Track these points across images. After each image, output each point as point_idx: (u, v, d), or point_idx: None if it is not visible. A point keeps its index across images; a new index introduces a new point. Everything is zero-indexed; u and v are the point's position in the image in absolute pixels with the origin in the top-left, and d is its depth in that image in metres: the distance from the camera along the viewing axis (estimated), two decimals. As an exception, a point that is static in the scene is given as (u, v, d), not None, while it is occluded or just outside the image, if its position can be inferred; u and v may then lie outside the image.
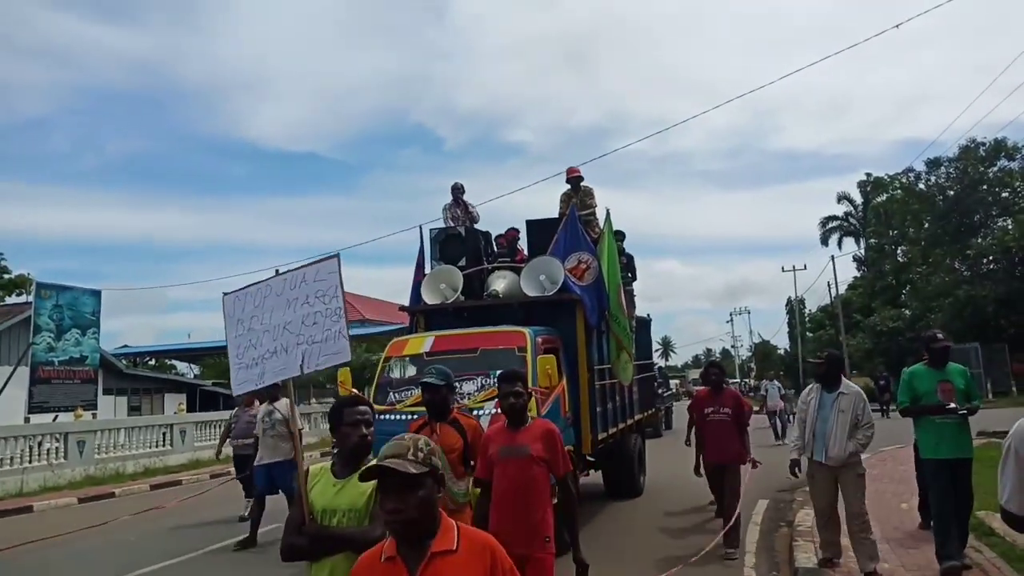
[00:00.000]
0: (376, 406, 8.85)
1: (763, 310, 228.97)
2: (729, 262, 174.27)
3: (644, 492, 12.49)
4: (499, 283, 10.39)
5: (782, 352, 72.74)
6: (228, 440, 12.07)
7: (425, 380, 5.50)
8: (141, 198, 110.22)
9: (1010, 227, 39.71)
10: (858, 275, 57.31)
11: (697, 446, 9.49)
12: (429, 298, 10.28)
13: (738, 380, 40.70)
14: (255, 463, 10.09)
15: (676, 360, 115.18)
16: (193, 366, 47.73)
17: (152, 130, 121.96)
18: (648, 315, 14.46)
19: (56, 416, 20.02)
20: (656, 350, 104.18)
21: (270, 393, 12.44)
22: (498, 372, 8.61)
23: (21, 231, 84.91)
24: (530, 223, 10.90)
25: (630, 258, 12.39)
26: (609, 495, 12.10)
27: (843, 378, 7.37)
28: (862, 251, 57.83)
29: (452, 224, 11.30)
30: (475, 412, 8.33)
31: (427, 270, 10.76)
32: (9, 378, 21.11)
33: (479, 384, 8.68)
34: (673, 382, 61.94)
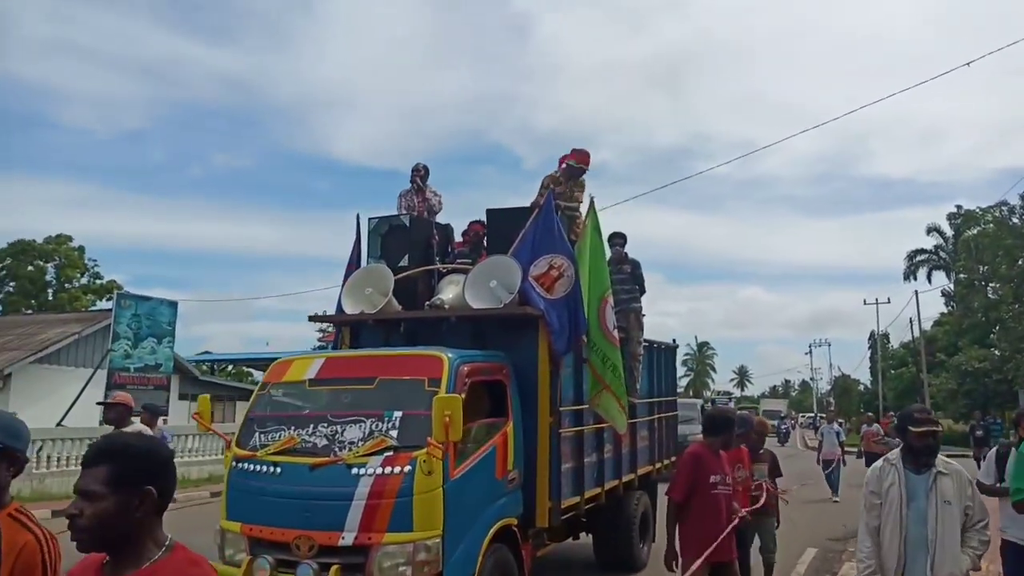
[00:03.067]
0: (236, 450, 6.01)
1: (844, 342, 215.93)
2: (811, 292, 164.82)
3: (648, 565, 9.20)
4: (450, 291, 7.41)
5: (862, 388, 67.21)
6: None
7: None
8: (231, 211, 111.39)
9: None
10: (945, 311, 52.01)
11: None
12: (349, 306, 7.38)
13: (814, 415, 36.37)
14: None
15: (752, 390, 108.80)
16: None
17: (244, 146, 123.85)
18: (675, 340, 11.22)
19: (166, 420, 19.48)
20: (731, 380, 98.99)
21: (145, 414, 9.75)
22: (396, 414, 5.81)
23: (117, 238, 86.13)
24: (492, 212, 7.89)
25: (635, 265, 9.21)
26: (600, 567, 8.87)
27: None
28: (950, 286, 52.47)
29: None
30: (355, 470, 5.41)
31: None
32: (88, 381, 20.77)
33: (367, 429, 5.70)
34: (743, 413, 57.61)
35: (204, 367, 35.14)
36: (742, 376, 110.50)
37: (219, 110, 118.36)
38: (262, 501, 5.77)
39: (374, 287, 7.32)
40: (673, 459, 10.24)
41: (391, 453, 5.53)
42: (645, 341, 9.47)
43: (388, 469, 5.47)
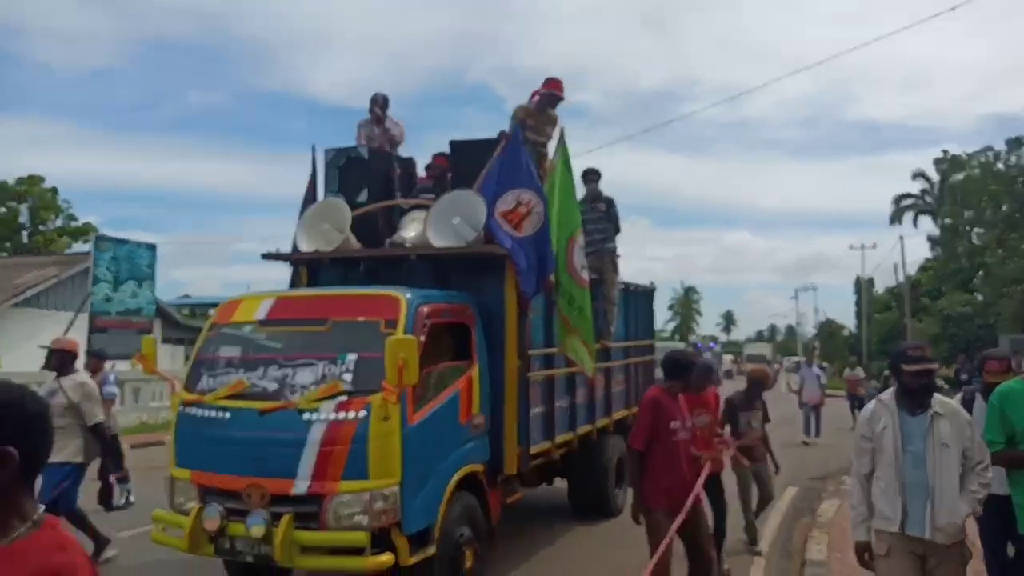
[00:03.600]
0: (183, 394, 5.69)
1: (831, 287, 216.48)
2: (799, 237, 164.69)
3: (623, 512, 9.01)
4: (412, 228, 7.03)
5: (847, 333, 67.38)
6: None
7: None
8: (206, 150, 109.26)
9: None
10: (930, 256, 51.89)
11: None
12: (304, 243, 6.98)
13: (798, 359, 36.47)
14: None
15: (738, 335, 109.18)
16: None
17: (217, 84, 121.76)
18: (652, 283, 10.85)
19: (114, 364, 19.40)
20: (717, 324, 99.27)
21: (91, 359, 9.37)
22: (350, 357, 5.47)
23: (88, 178, 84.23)
24: (456, 144, 7.44)
25: (609, 203, 8.82)
26: (573, 513, 8.66)
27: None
28: (935, 231, 52.28)
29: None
30: (307, 415, 5.09)
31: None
32: (70, 325, 20.09)
33: (319, 373, 5.36)
34: (727, 357, 57.43)
35: (185, 311, 34.76)
36: (728, 321, 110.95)
37: (191, 46, 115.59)
38: (211, 448, 5.47)
39: (330, 223, 6.93)
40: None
41: (345, 398, 5.21)
42: (621, 283, 9.14)
43: (342, 414, 5.15)
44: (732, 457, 6.78)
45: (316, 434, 5.14)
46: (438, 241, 6.49)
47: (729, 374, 49.29)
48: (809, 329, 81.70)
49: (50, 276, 24.76)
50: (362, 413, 5.12)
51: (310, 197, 7.45)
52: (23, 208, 40.51)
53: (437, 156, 7.70)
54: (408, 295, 5.68)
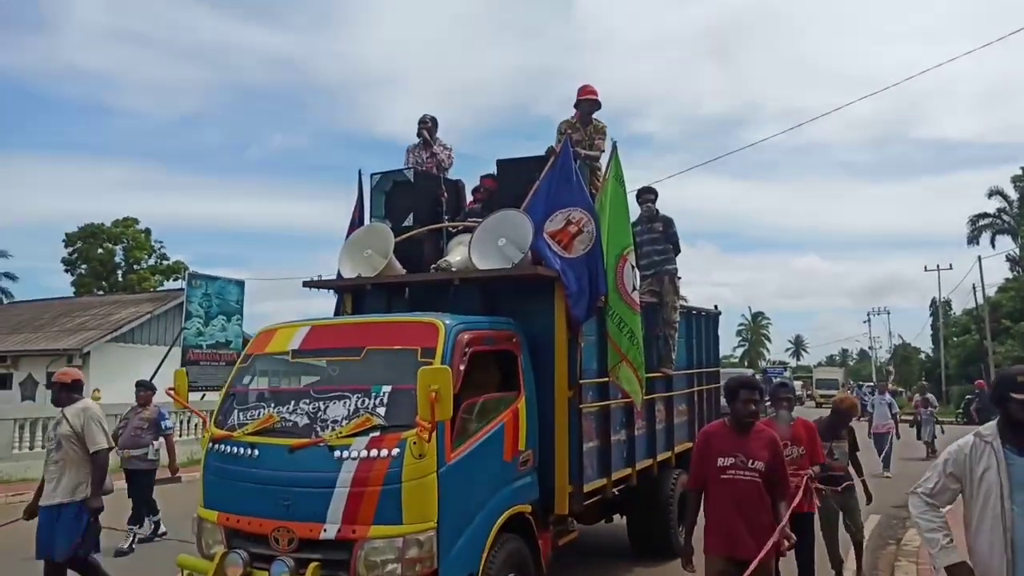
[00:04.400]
0: (213, 429, 5.33)
1: (905, 310, 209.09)
2: (870, 259, 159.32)
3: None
4: (458, 252, 6.61)
5: (923, 356, 64.75)
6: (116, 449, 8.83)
7: None
8: (285, 190, 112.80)
9: None
10: (1010, 276, 49.47)
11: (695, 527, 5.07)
12: (347, 269, 6.62)
13: (873, 384, 34.55)
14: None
15: (809, 360, 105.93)
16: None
17: (295, 126, 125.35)
18: (716, 307, 10.21)
19: (204, 395, 20.10)
20: (787, 350, 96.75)
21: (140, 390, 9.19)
22: (384, 389, 5.04)
23: (176, 219, 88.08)
24: (503, 163, 7.02)
25: (667, 223, 8.25)
26: (634, 552, 8.04)
27: None
28: (1015, 250, 49.87)
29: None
30: (337, 452, 4.67)
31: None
32: (164, 359, 21.48)
33: (352, 406, 4.94)
34: (797, 383, 55.52)
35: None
36: (798, 346, 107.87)
37: (272, 92, 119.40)
38: (239, 487, 5.08)
39: (373, 248, 6.55)
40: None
41: (377, 433, 4.77)
42: (683, 307, 8.56)
43: (374, 452, 4.71)
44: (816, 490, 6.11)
45: (347, 473, 4.70)
46: (482, 264, 6.05)
47: (800, 400, 47.63)
48: (883, 353, 79.02)
49: (144, 312, 25.94)
50: (395, 451, 4.67)
51: (356, 223, 7.14)
52: (118, 249, 42.80)
53: (485, 178, 7.29)
54: (447, 321, 5.23)
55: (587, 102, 7.41)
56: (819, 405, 44.49)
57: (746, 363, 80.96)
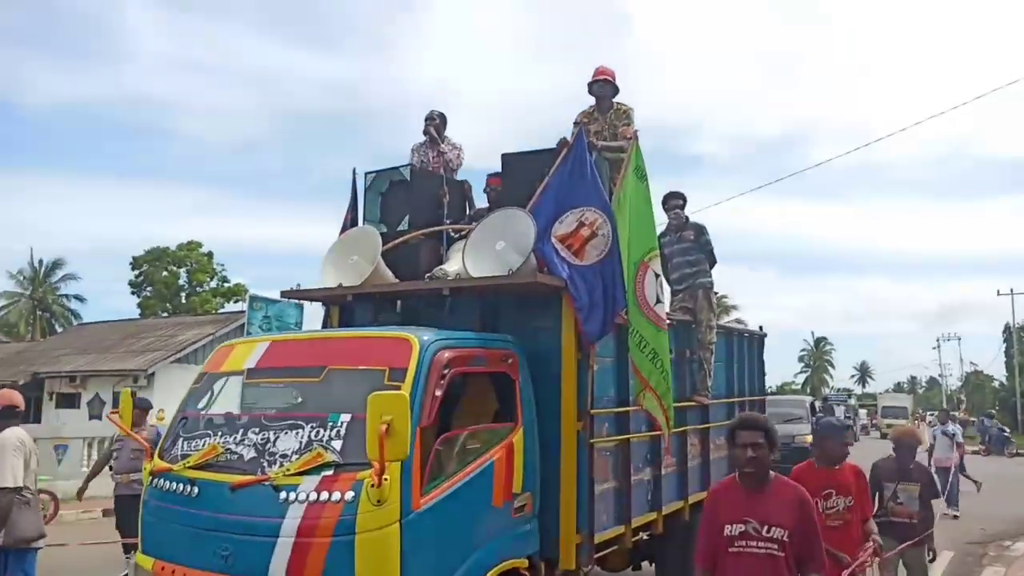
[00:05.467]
0: (155, 461, 4.59)
1: (977, 335, 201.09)
2: (939, 281, 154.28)
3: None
4: (458, 259, 5.75)
5: (997, 384, 61.60)
6: (111, 474, 8.12)
7: None
8: (341, 212, 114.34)
9: None
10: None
11: None
12: (330, 278, 5.81)
13: (936, 413, 32.10)
14: None
15: (875, 387, 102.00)
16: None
17: (349, 149, 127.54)
18: (761, 328, 9.16)
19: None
20: (851, 376, 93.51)
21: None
22: (343, 417, 4.19)
23: (238, 242, 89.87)
24: (508, 158, 6.14)
25: (699, 231, 7.29)
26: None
27: None
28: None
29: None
30: (283, 493, 3.84)
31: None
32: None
33: (304, 437, 4.11)
34: (862, 411, 53.03)
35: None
36: (863, 373, 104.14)
37: (328, 117, 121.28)
38: (176, 531, 4.31)
39: (360, 254, 5.75)
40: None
41: (330, 472, 3.94)
42: (722, 327, 7.57)
43: (324, 495, 3.88)
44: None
45: (292, 520, 3.88)
46: (477, 271, 5.20)
47: (865, 429, 45.36)
48: (953, 381, 75.67)
49: (207, 334, 25.93)
50: (349, 494, 3.83)
51: (348, 228, 6.35)
52: (182, 271, 43.81)
53: (491, 176, 6.43)
54: (425, 337, 4.37)
55: (601, 84, 6.53)
56: (884, 436, 42.35)
57: (808, 390, 78.21)
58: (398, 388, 4.06)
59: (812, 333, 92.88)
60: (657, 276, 5.52)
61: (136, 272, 43.33)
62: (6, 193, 78.17)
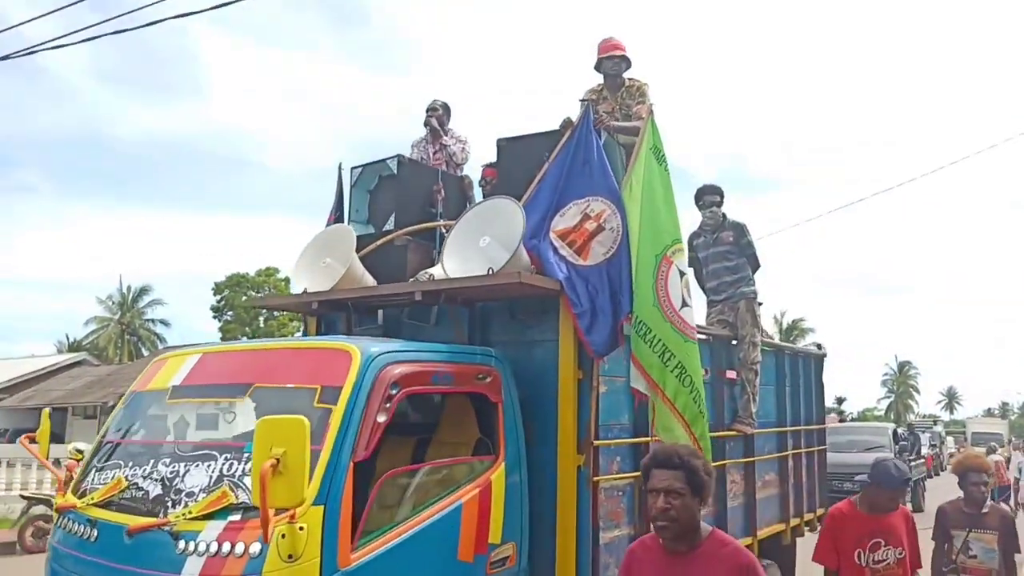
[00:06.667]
0: (67, 496, 3.86)
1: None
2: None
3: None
4: (452, 260, 4.90)
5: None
6: None
7: None
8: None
9: None
10: None
11: None
12: (300, 280, 5.03)
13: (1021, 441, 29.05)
14: None
15: (963, 413, 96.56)
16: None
17: None
18: (820, 345, 8.02)
19: None
20: (939, 402, 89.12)
21: None
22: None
23: None
24: (503, 144, 5.24)
25: (739, 231, 6.27)
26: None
27: None
28: None
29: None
30: (182, 541, 3.01)
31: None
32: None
33: (216, 471, 3.29)
34: (949, 439, 49.63)
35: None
36: (950, 398, 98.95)
37: (389, 143, 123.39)
38: (75, 580, 3.53)
39: (335, 256, 4.95)
40: (820, 513, 7.10)
41: (237, 517, 3.11)
42: (770, 345, 6.52)
43: (226, 545, 3.04)
44: None
45: (190, 575, 3.06)
46: (456, 271, 4.33)
47: (926, 472, 42.32)
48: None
49: None
50: (254, 546, 2.99)
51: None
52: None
53: (487, 167, 5.57)
54: (373, 348, 3.52)
55: (614, 61, 5.63)
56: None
57: (892, 416, 74.62)
58: (330, 409, 3.24)
59: (895, 356, 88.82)
60: (683, 275, 4.54)
61: (217, 297, 44.42)
62: (99, 222, 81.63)
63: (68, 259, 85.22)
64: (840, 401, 63.18)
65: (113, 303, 46.59)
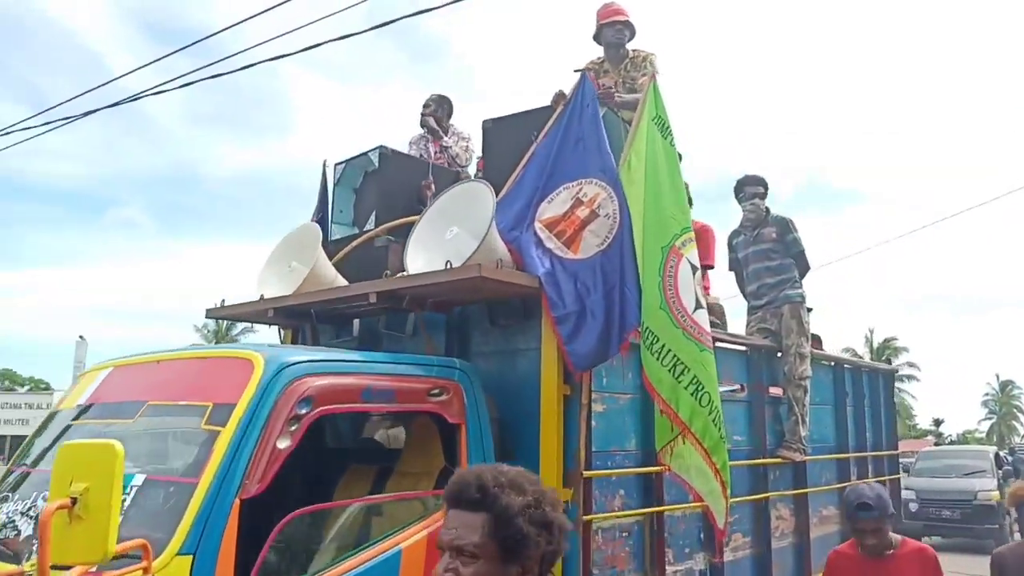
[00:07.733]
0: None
1: None
2: None
3: None
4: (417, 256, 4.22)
5: None
6: None
7: None
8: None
9: None
10: None
11: None
12: (265, 284, 4.41)
13: None
14: None
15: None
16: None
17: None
18: (889, 360, 7.00)
19: None
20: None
21: None
22: (135, 479, 2.72)
23: None
24: (489, 125, 4.49)
25: (783, 227, 5.38)
26: None
27: None
28: None
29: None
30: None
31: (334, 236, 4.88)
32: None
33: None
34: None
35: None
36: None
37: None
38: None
39: (300, 258, 4.31)
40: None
41: (92, 568, 2.46)
42: (824, 356, 5.58)
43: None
44: None
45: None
46: (417, 263, 3.63)
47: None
48: None
49: None
50: (98, 610, 2.34)
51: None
52: None
53: (480, 159, 4.90)
54: (286, 357, 2.85)
55: (611, 28, 4.89)
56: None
57: (994, 439, 70.15)
58: (218, 432, 2.57)
59: (996, 376, 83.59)
60: (695, 270, 3.74)
61: (307, 325, 45.78)
62: (194, 253, 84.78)
63: (168, 289, 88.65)
64: (938, 423, 59.70)
65: (209, 331, 47.81)
